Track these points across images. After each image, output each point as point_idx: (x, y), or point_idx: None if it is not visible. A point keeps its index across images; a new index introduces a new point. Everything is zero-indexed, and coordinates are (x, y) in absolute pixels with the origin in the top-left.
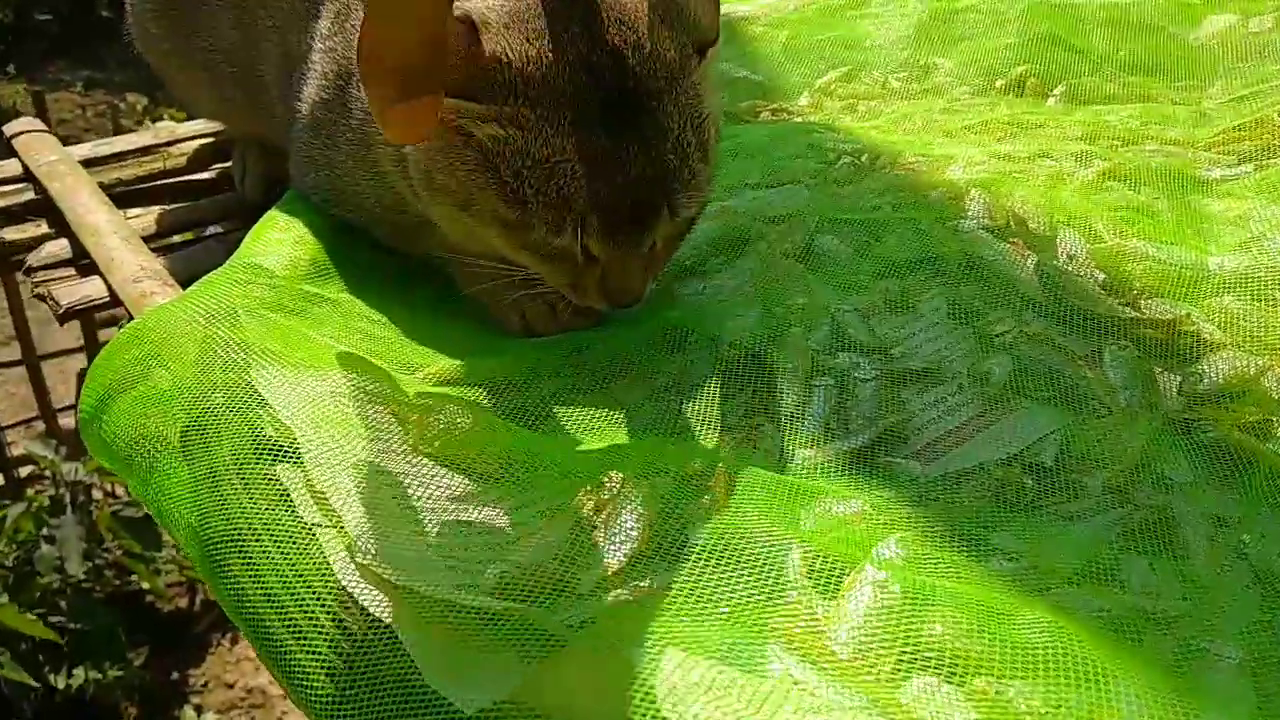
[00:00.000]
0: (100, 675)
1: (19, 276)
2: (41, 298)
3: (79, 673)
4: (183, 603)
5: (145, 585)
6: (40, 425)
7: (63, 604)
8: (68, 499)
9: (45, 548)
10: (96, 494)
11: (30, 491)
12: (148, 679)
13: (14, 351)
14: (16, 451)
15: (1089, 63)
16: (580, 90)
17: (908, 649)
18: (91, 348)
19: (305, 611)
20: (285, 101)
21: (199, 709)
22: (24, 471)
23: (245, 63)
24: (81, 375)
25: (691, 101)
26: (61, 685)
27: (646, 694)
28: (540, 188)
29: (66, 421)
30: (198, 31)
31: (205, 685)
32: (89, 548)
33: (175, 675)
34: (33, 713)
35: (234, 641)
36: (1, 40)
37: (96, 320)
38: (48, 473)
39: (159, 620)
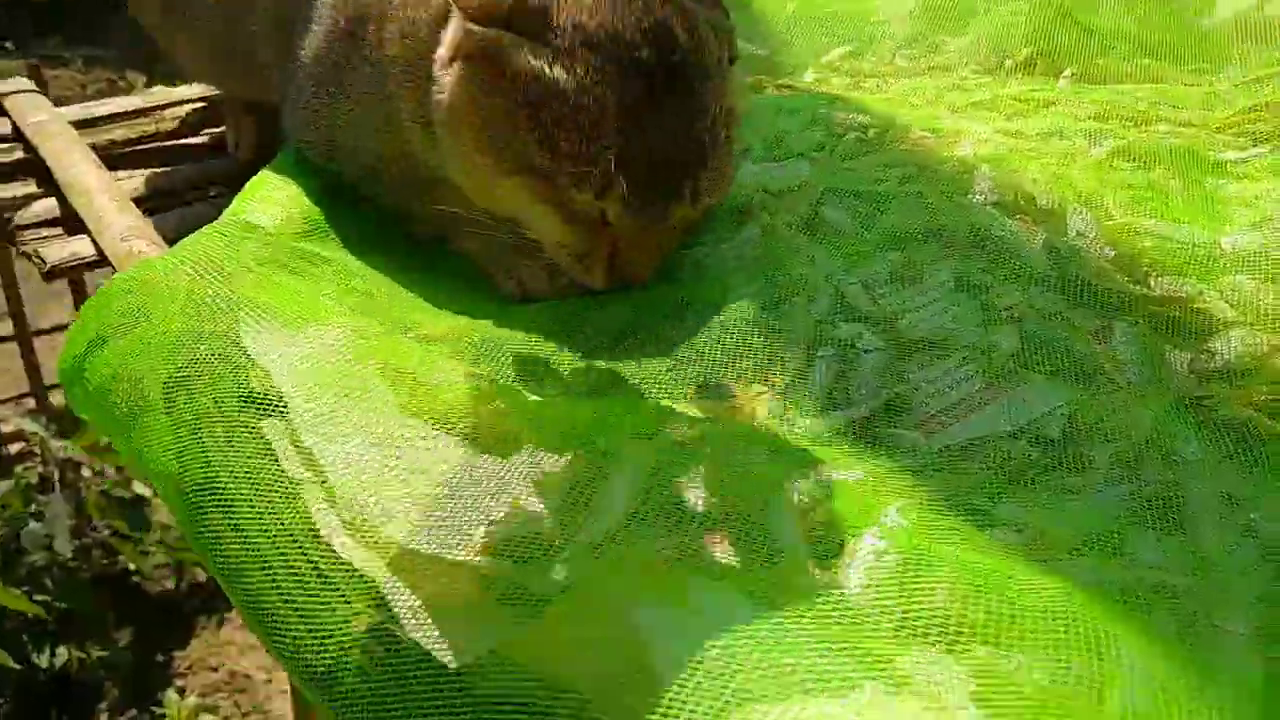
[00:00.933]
0: (84, 655)
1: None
2: (28, 256)
3: (62, 652)
4: (169, 584)
5: (132, 566)
6: (30, 403)
7: (49, 582)
8: (57, 476)
9: (33, 525)
10: (86, 472)
11: (19, 469)
12: (132, 660)
13: (6, 327)
14: (6, 428)
15: (1100, 43)
16: (631, 50)
17: (908, 615)
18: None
19: (285, 562)
20: (280, 58)
21: (182, 691)
22: (14, 449)
23: (237, 22)
24: None
25: (725, 96)
26: (45, 664)
27: (630, 642)
28: (571, 134)
29: (58, 398)
30: None
31: (189, 668)
32: (77, 526)
33: (160, 657)
34: (14, 691)
35: (220, 625)
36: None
37: (87, 290)
38: (37, 450)
39: (145, 602)
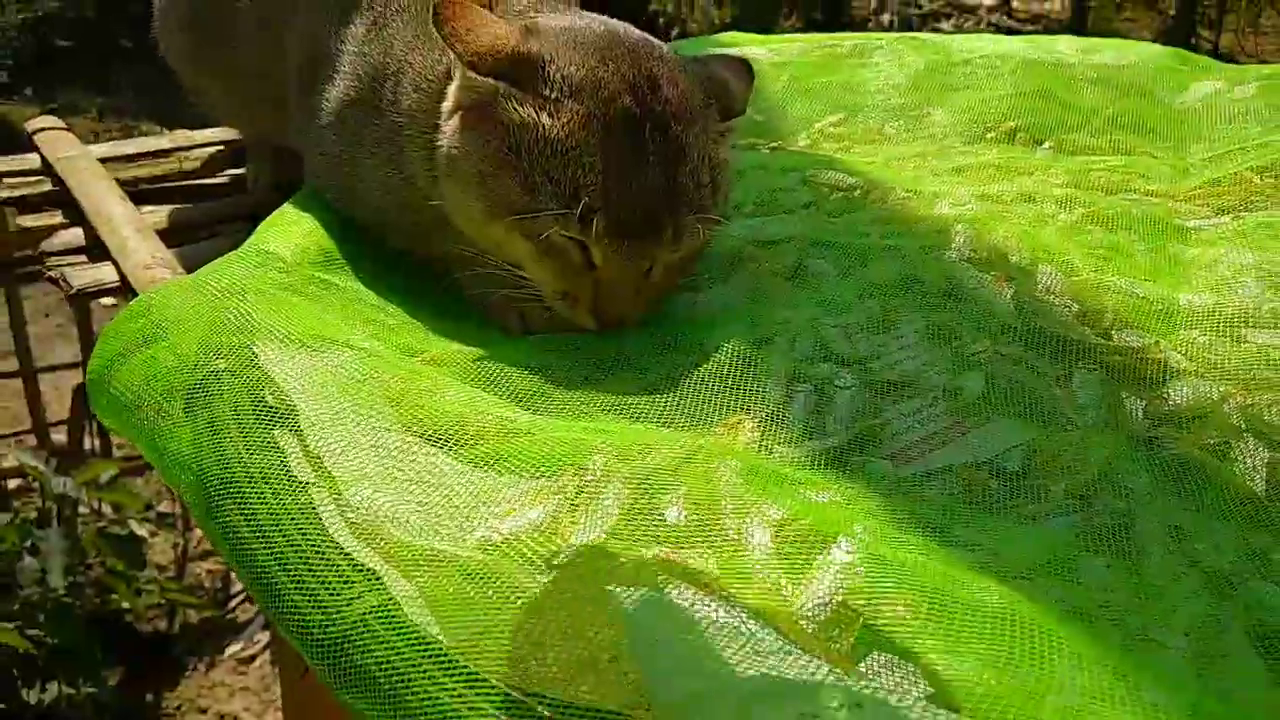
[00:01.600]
0: (73, 692)
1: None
2: (54, 280)
3: (51, 688)
4: (162, 625)
5: (125, 604)
6: (31, 440)
7: (41, 617)
8: (55, 512)
9: (28, 559)
10: (83, 509)
11: (17, 504)
12: (121, 699)
13: (10, 364)
14: (7, 463)
15: (1078, 117)
16: (615, 99)
17: (870, 626)
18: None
19: (295, 548)
20: (303, 107)
21: None
22: (13, 484)
23: (266, 68)
24: (79, 389)
25: (711, 145)
26: (34, 700)
27: (611, 625)
28: (555, 175)
29: (59, 436)
30: (222, 38)
31: (179, 708)
32: (71, 562)
33: (149, 697)
34: None
35: (210, 667)
36: (21, 64)
37: (93, 328)
38: (36, 485)
39: (136, 641)
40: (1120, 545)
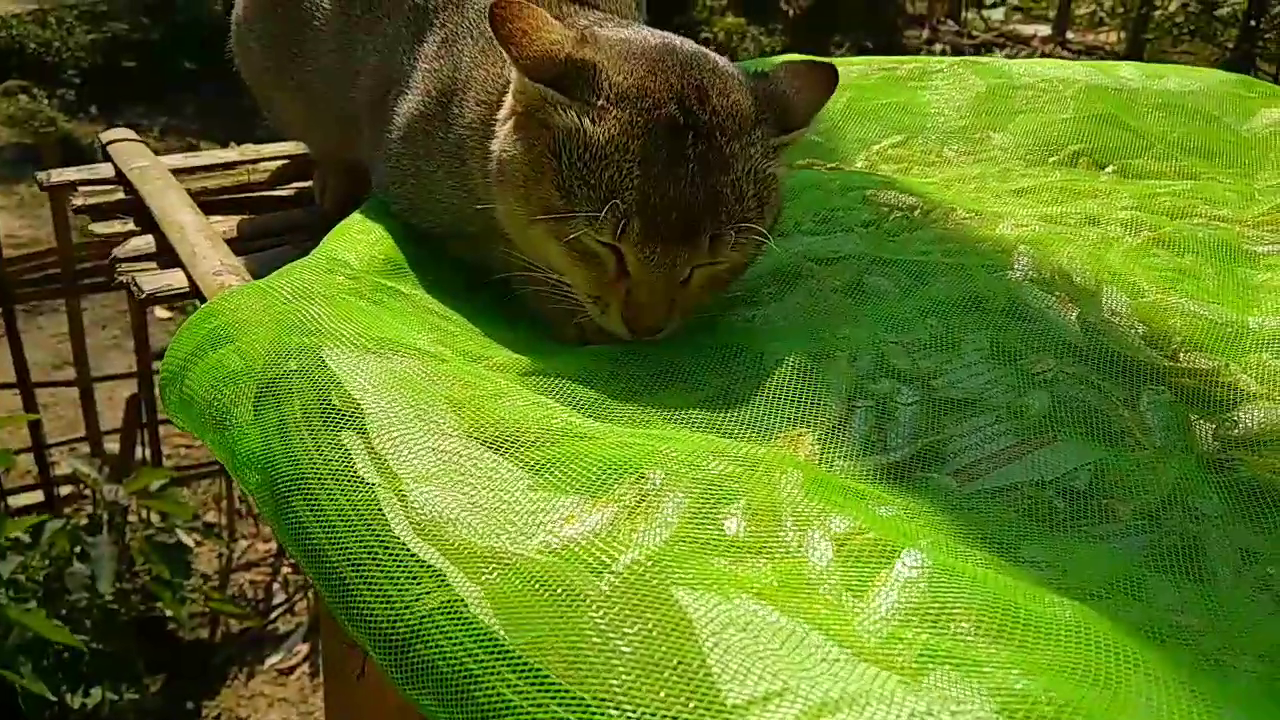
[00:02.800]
0: (116, 697)
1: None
2: (125, 285)
3: (95, 692)
4: (203, 633)
5: (169, 613)
6: (84, 448)
7: (88, 623)
8: (105, 519)
9: (78, 565)
10: (132, 518)
11: (69, 510)
12: (162, 706)
13: (68, 374)
14: (60, 470)
15: (1142, 142)
16: (660, 108)
17: (933, 641)
18: (144, 374)
19: (362, 544)
20: (375, 121)
21: None
22: (64, 491)
23: (341, 85)
24: (132, 400)
25: (760, 159)
26: (77, 704)
27: (685, 628)
28: (591, 179)
29: (111, 445)
30: (300, 55)
31: (218, 717)
32: (120, 569)
33: (189, 705)
34: None
35: (249, 677)
36: (88, 83)
37: (154, 349)
38: (87, 493)
39: (178, 649)
40: (1191, 567)
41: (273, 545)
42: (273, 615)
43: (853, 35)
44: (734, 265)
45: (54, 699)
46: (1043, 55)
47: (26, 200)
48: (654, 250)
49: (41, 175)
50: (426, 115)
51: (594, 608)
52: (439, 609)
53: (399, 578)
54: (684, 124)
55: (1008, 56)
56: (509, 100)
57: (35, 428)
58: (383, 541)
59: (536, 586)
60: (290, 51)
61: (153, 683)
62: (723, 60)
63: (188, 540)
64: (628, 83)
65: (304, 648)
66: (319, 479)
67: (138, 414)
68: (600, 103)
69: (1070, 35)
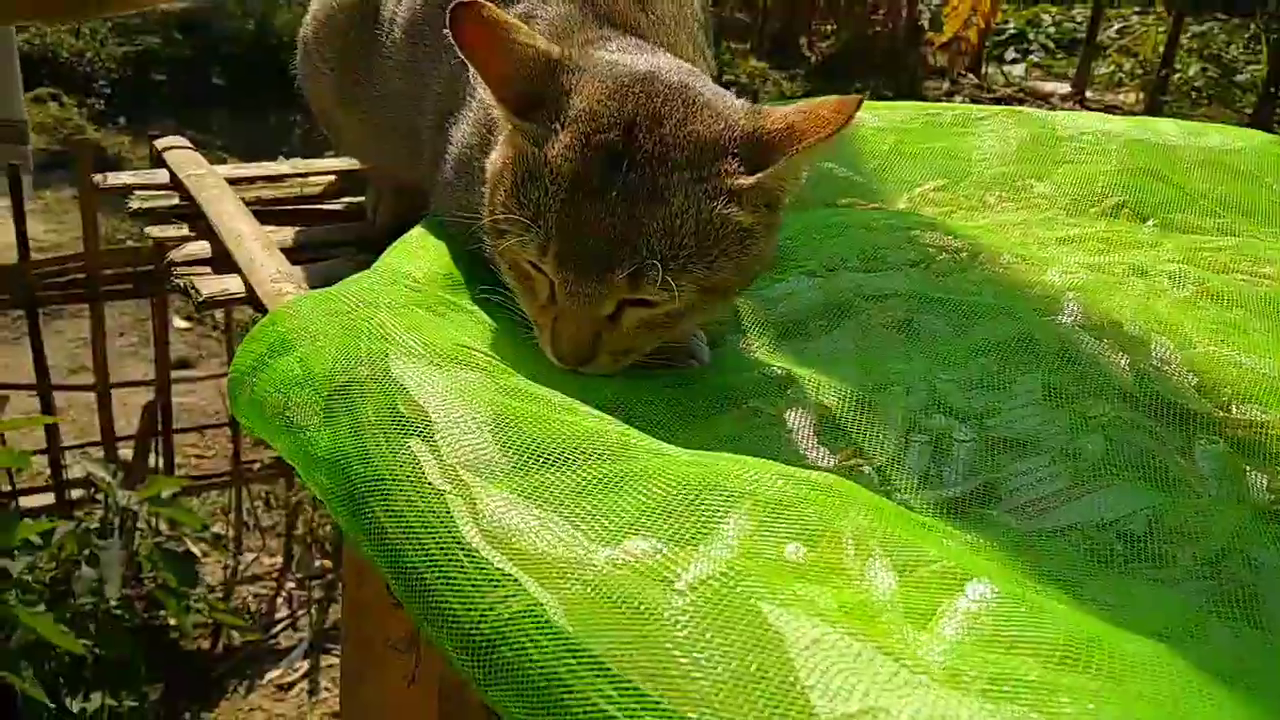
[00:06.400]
0: (115, 703)
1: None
2: (182, 288)
3: (95, 698)
4: (205, 644)
5: (172, 621)
6: (98, 453)
7: (92, 627)
8: (116, 524)
9: (86, 569)
10: (141, 524)
11: (79, 512)
12: (160, 714)
13: (86, 378)
14: (74, 473)
15: (1184, 197)
16: (603, 133)
17: (1005, 668)
18: (162, 383)
19: (442, 547)
20: (435, 145)
21: None
22: (75, 494)
23: (406, 111)
24: (148, 407)
25: (708, 198)
26: (76, 709)
27: (775, 642)
28: (524, 199)
29: (125, 451)
30: (368, 80)
31: None
32: (128, 575)
33: (187, 715)
34: None
35: (249, 691)
36: (117, 94)
37: (172, 360)
38: (98, 497)
39: (179, 658)
40: (1252, 615)
41: (278, 560)
42: (275, 630)
43: (874, 83)
44: (673, 310)
45: (52, 705)
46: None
47: (52, 206)
48: (569, 277)
49: (98, 177)
50: (472, 145)
51: (675, 621)
52: (521, 613)
53: (479, 581)
54: (621, 151)
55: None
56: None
57: (51, 431)
58: (461, 544)
59: (611, 599)
60: (358, 76)
61: (152, 691)
62: (712, 94)
63: (195, 550)
64: (581, 105)
65: (304, 664)
66: (395, 481)
67: (153, 422)
68: (555, 126)
69: (1089, 94)
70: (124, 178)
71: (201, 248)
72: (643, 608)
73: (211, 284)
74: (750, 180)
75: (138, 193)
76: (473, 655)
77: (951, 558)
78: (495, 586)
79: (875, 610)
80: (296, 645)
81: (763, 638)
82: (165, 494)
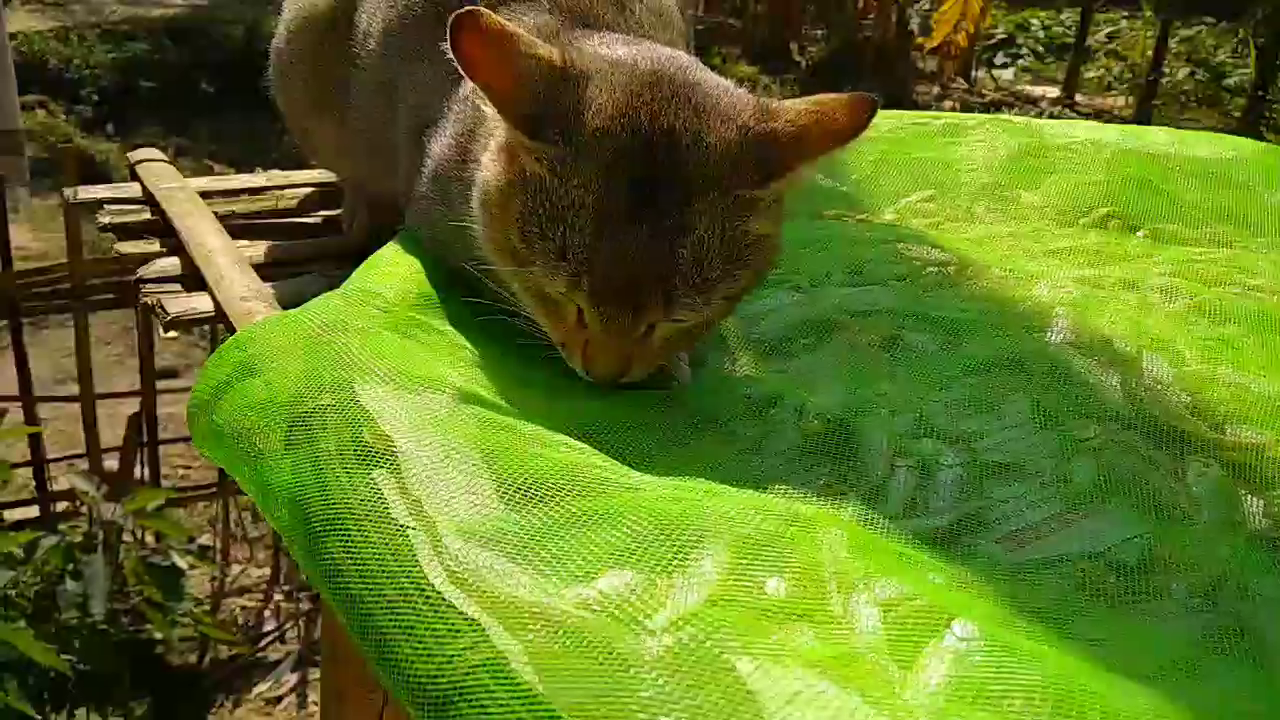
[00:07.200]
0: (101, 719)
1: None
2: (149, 307)
3: (80, 714)
4: (192, 658)
5: (159, 635)
6: (83, 464)
7: (76, 643)
8: (100, 538)
9: (70, 584)
10: (127, 537)
11: (64, 526)
12: None
13: (71, 390)
14: (58, 486)
15: (1175, 207)
16: (624, 157)
17: (991, 714)
18: (147, 393)
19: (401, 592)
20: (411, 159)
21: None
22: (60, 507)
23: (380, 122)
24: (133, 419)
25: (731, 214)
26: None
27: (750, 703)
28: (548, 230)
29: (111, 462)
30: (342, 90)
31: None
32: (112, 589)
33: None
34: None
35: (236, 705)
36: (105, 101)
37: (157, 369)
38: (83, 510)
39: (166, 673)
40: (1250, 650)
41: (266, 571)
42: (263, 643)
43: (864, 88)
44: (701, 323)
45: (37, 719)
46: (1050, 117)
47: (39, 214)
48: (605, 309)
49: (68, 192)
50: (449, 158)
51: (644, 677)
52: (481, 665)
53: (439, 629)
54: (644, 177)
55: (1016, 115)
56: (498, 130)
57: (35, 442)
58: (421, 590)
59: (579, 647)
60: (332, 87)
61: (138, 706)
62: (719, 91)
63: (181, 563)
64: (595, 125)
65: (293, 678)
66: (354, 519)
67: (138, 433)
68: (567, 150)
69: (1079, 98)
70: (97, 191)
71: (172, 264)
72: (613, 656)
73: (179, 303)
74: (767, 190)
75: (108, 207)
76: (430, 710)
77: (937, 594)
78: (456, 635)
79: (859, 650)
80: (284, 659)
81: (735, 696)
82: (151, 506)
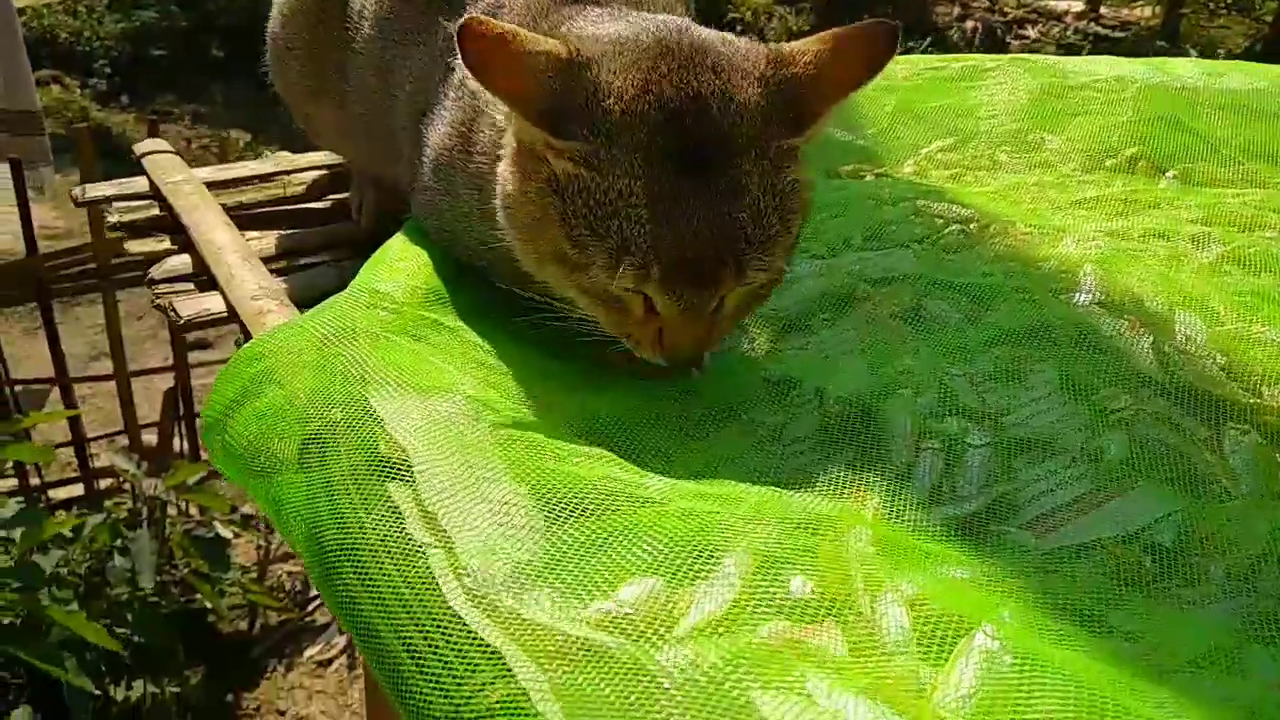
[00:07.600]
0: (158, 690)
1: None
2: (162, 309)
3: (137, 685)
4: (242, 625)
5: (208, 605)
6: (123, 440)
7: (129, 616)
8: (145, 513)
9: (119, 559)
10: (171, 511)
11: (109, 503)
12: (202, 698)
13: (105, 367)
14: (100, 463)
15: (1205, 146)
16: (659, 134)
17: None
18: (180, 367)
19: (417, 624)
20: (411, 148)
21: None
22: (104, 483)
23: (379, 106)
24: (169, 394)
25: (774, 170)
26: (120, 697)
27: None
28: (600, 228)
29: (149, 437)
30: (339, 74)
31: (257, 709)
32: (160, 563)
33: (229, 697)
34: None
35: (288, 669)
36: (118, 72)
37: (187, 341)
38: (127, 486)
39: (217, 641)
40: None
41: None
42: (310, 607)
43: (883, 14)
44: (768, 280)
45: (97, 693)
46: (1075, 31)
47: (60, 191)
48: (680, 290)
49: (76, 191)
50: (450, 146)
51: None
52: (501, 704)
53: (456, 666)
54: (685, 151)
55: (1040, 33)
56: (511, 129)
57: (74, 421)
58: (437, 620)
59: (601, 672)
60: (329, 71)
61: (193, 675)
62: (726, 47)
63: (226, 533)
64: (621, 109)
65: (341, 640)
66: (368, 544)
67: (175, 407)
68: (597, 141)
69: (1104, 10)
70: (104, 189)
71: (183, 262)
72: (637, 681)
73: (191, 305)
74: (800, 139)
75: (116, 205)
76: None
77: (964, 595)
78: (474, 672)
79: (888, 652)
80: (333, 621)
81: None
82: (192, 480)
